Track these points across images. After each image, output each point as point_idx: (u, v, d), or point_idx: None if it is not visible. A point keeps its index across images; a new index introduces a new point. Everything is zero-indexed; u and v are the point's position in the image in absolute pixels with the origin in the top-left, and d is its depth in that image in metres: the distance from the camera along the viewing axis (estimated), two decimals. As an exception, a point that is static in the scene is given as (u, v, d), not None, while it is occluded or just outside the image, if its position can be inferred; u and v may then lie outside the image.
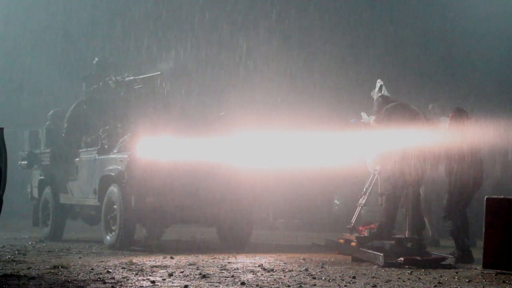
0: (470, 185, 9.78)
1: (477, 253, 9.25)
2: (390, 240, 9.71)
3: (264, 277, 7.64)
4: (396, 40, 18.35)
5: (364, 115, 10.37)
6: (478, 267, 8.51)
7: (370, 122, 10.17)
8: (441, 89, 16.95)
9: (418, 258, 8.91)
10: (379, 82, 10.13)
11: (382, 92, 10.04)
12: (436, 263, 8.82)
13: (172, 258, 9.45)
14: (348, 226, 10.06)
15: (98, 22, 19.28)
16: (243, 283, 7.02)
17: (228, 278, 7.44)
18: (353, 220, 10.10)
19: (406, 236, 9.67)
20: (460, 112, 9.97)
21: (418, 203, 10.01)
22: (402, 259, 8.84)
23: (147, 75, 12.42)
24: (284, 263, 9.00)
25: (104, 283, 6.91)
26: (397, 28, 18.44)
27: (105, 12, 19.35)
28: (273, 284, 7.08)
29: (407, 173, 9.53)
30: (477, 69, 17.68)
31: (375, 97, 10.12)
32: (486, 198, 8.33)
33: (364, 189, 10.21)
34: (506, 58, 17.48)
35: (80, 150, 12.39)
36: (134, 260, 8.97)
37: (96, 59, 13.26)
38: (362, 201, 10.17)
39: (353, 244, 9.67)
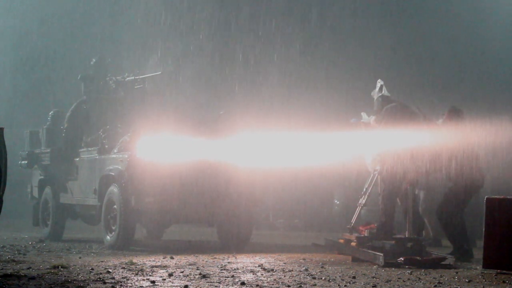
0: (469, 186, 9.78)
1: (477, 253, 9.25)
2: (390, 240, 9.71)
3: (264, 277, 7.64)
4: (398, 40, 18.35)
5: (364, 115, 10.38)
6: (478, 267, 8.51)
7: (370, 122, 10.17)
8: (442, 89, 16.96)
9: (418, 258, 8.91)
10: (379, 82, 10.14)
11: (383, 92, 10.05)
12: (436, 263, 8.82)
13: (172, 258, 9.44)
14: (348, 226, 10.06)
15: (97, 22, 19.29)
16: (243, 283, 7.02)
17: (228, 278, 7.44)
18: (353, 220, 10.10)
19: (406, 236, 9.67)
20: (455, 112, 9.95)
21: (415, 203, 10.04)
22: (402, 259, 8.84)
23: (147, 75, 12.43)
24: (284, 263, 9.00)
25: (104, 283, 6.91)
26: (399, 28, 18.44)
27: (104, 12, 19.36)
28: (273, 284, 7.07)
29: (405, 173, 9.54)
30: (479, 69, 17.70)
31: (375, 97, 10.13)
32: (486, 198, 8.33)
33: (364, 189, 10.21)
34: (507, 58, 17.49)
35: (80, 150, 12.40)
36: (134, 260, 8.97)
37: (94, 59, 13.26)
38: (362, 201, 10.17)
39: (353, 244, 9.67)
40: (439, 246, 11.72)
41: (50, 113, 13.69)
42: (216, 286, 6.89)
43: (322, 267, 8.64)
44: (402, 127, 9.39)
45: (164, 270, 8.02)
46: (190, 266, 8.49)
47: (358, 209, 10.18)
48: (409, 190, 9.77)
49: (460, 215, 9.96)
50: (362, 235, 9.73)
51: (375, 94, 10.12)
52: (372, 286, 7.06)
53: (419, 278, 7.71)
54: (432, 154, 9.50)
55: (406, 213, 9.83)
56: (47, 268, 8.00)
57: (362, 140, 10.04)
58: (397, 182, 9.63)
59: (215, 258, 9.58)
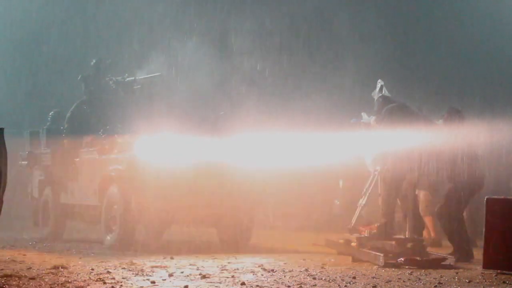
0: (468, 187, 9.78)
1: (477, 253, 9.25)
2: (390, 240, 9.71)
3: (264, 277, 7.64)
4: (398, 39, 18.36)
5: (364, 115, 10.38)
6: (478, 267, 8.50)
7: (370, 122, 10.18)
8: (442, 89, 16.96)
9: (418, 258, 8.91)
10: (379, 83, 10.14)
11: (383, 93, 10.05)
12: (436, 264, 8.82)
13: (172, 258, 9.45)
14: (348, 226, 10.06)
15: (97, 23, 19.29)
16: (243, 283, 7.02)
17: (228, 278, 7.44)
18: (353, 220, 10.10)
19: (406, 236, 9.67)
20: (455, 112, 9.95)
21: (416, 204, 10.04)
22: (402, 259, 8.84)
23: (147, 76, 12.43)
24: (284, 263, 8.99)
25: (104, 283, 6.91)
26: (399, 27, 18.44)
27: (104, 12, 19.36)
28: (273, 284, 7.08)
29: (405, 173, 9.55)
30: (479, 69, 17.71)
31: (375, 97, 10.13)
32: (486, 198, 8.33)
33: (364, 189, 10.21)
34: (506, 58, 17.50)
35: (81, 150, 12.39)
36: (134, 260, 8.97)
37: (94, 60, 13.26)
38: (362, 201, 10.17)
39: (353, 244, 9.66)
40: (439, 246, 11.72)
41: (50, 114, 13.70)
42: (216, 286, 6.89)
43: (322, 267, 8.64)
44: (402, 128, 9.39)
45: (164, 270, 8.02)
46: (190, 266, 8.49)
47: (358, 209, 10.18)
48: (409, 190, 9.77)
49: (460, 215, 9.97)
50: (363, 236, 9.73)
51: (375, 94, 10.12)
52: (372, 287, 7.07)
53: (419, 279, 7.71)
54: (432, 155, 9.51)
55: (406, 213, 9.83)
56: (47, 268, 8.00)
57: (362, 140, 10.05)
58: (397, 182, 9.64)
59: (215, 258, 9.58)
